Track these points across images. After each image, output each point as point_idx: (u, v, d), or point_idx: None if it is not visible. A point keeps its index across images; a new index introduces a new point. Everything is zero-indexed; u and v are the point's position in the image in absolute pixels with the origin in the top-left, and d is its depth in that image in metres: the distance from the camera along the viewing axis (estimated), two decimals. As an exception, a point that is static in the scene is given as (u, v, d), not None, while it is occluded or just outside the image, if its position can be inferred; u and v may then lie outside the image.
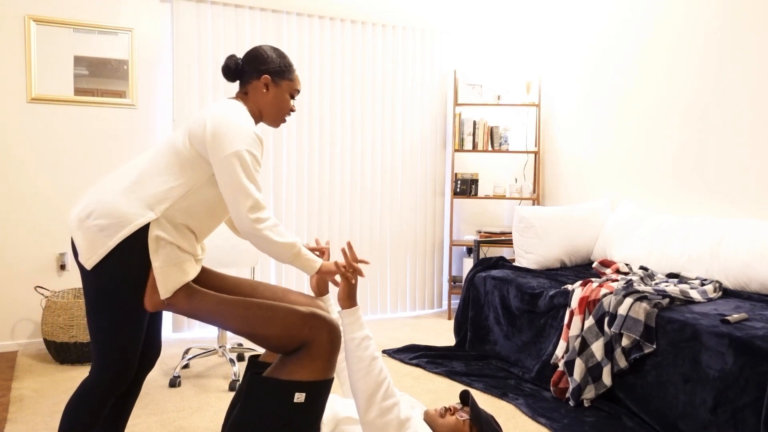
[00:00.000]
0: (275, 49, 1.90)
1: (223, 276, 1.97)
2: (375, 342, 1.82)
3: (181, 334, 3.88)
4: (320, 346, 1.72)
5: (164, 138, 1.83)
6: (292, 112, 1.91)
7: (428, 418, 2.00)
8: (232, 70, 1.87)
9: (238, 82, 1.93)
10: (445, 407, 2.02)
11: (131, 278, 1.66)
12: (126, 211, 1.66)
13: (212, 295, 1.75)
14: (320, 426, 1.78)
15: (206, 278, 1.93)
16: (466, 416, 1.99)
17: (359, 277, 3.17)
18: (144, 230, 1.66)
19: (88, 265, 1.64)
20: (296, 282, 4.17)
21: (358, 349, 1.78)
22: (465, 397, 2.08)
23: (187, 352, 3.24)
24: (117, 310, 1.67)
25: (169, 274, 1.68)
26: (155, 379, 3.04)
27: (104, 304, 1.66)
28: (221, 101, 1.82)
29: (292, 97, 1.92)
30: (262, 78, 1.85)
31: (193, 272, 1.75)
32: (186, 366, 3.24)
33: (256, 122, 1.89)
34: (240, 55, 3.91)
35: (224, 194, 1.71)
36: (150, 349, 1.94)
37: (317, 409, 1.73)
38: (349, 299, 1.84)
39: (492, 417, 2.04)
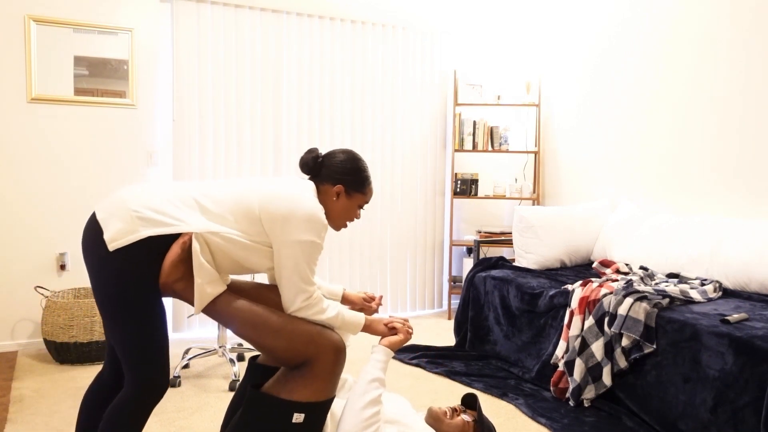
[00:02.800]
0: (356, 160, 1.89)
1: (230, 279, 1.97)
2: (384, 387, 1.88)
3: (181, 334, 3.88)
4: (324, 365, 1.70)
5: (244, 179, 1.86)
6: (356, 219, 1.95)
7: (433, 416, 1.99)
8: (310, 167, 1.88)
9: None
10: (451, 408, 2.03)
11: (150, 275, 1.63)
12: (174, 215, 1.65)
13: (226, 297, 1.74)
14: None
15: None
16: (470, 419, 2.00)
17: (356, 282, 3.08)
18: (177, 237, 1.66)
19: (112, 246, 1.57)
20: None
21: (368, 386, 1.78)
22: (471, 401, 2.09)
23: (187, 352, 3.24)
24: (140, 306, 1.61)
25: (205, 290, 1.68)
26: (155, 379, 3.04)
27: (127, 302, 1.60)
28: (299, 182, 1.82)
29: (360, 207, 1.92)
30: (335, 186, 1.85)
31: (222, 288, 1.76)
32: (186, 366, 3.24)
33: None
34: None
35: (280, 273, 1.72)
36: None
37: (315, 429, 1.72)
38: (394, 346, 1.90)
39: (492, 425, 2.05)
